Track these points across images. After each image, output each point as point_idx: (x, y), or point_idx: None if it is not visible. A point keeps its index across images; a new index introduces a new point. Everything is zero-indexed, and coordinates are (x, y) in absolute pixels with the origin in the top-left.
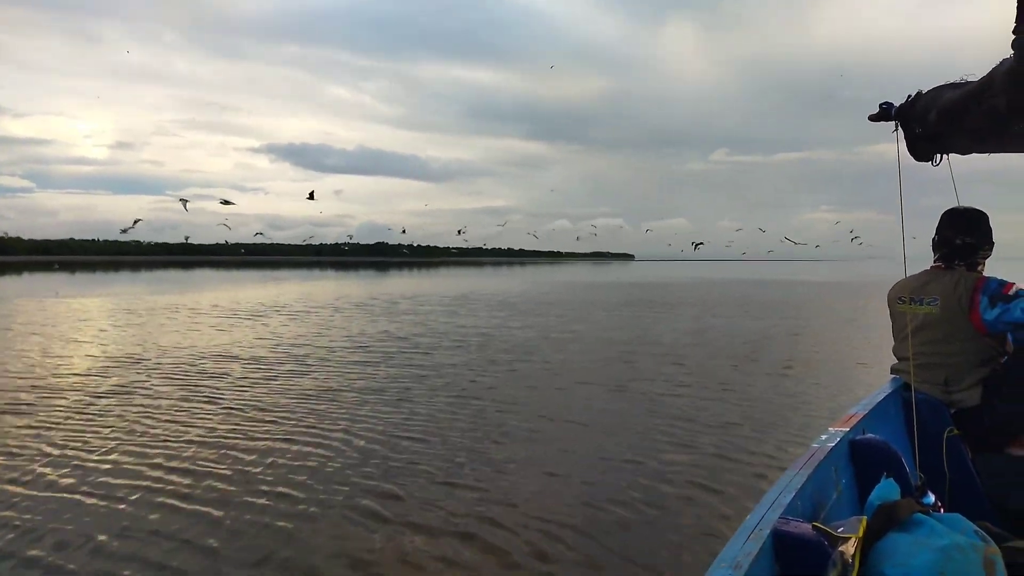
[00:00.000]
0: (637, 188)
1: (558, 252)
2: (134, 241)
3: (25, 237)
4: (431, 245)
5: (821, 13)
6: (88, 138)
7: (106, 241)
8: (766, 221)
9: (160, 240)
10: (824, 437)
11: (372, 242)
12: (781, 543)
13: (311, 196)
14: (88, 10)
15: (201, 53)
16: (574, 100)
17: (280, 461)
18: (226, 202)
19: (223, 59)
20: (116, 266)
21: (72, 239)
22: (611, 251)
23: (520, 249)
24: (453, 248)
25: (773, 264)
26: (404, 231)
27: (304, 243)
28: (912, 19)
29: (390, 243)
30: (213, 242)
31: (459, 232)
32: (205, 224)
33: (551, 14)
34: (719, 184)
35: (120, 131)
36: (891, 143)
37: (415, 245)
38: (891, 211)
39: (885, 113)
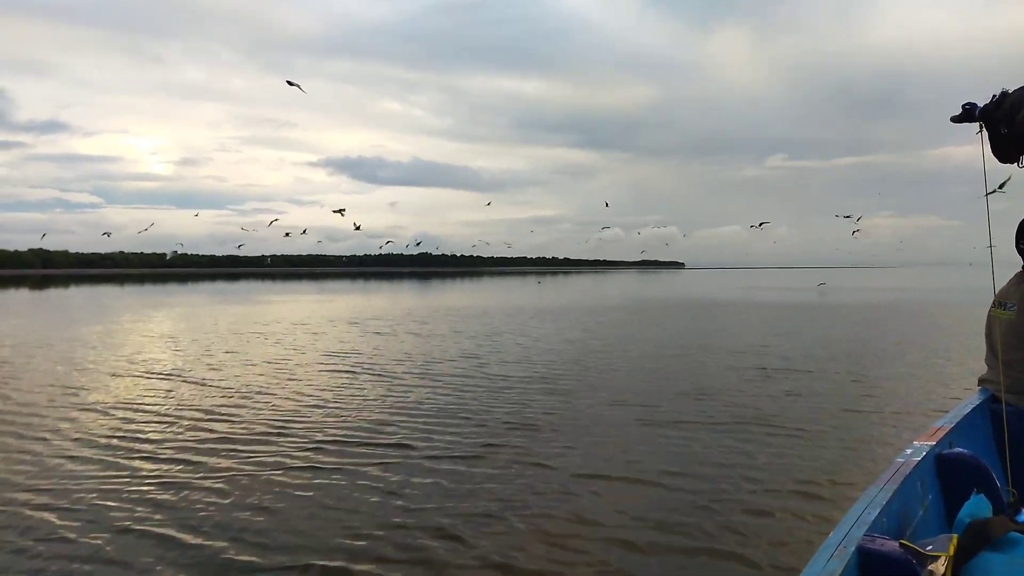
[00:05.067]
0: (689, 195)
1: (605, 260)
2: (180, 254)
3: (100, 252)
4: (476, 255)
5: (878, 14)
6: (153, 155)
7: (153, 254)
8: (823, 228)
9: (224, 252)
10: (909, 451)
11: (416, 252)
12: (867, 561)
13: (340, 212)
14: (147, 31)
15: (258, 71)
16: (623, 108)
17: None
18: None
19: (279, 76)
20: (164, 278)
21: (121, 252)
22: (660, 259)
23: (565, 258)
24: (496, 257)
25: (829, 272)
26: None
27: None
28: (975, 18)
29: (433, 253)
30: (259, 254)
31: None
32: (260, 237)
33: (599, 23)
34: (774, 190)
35: (183, 148)
36: (954, 145)
37: (459, 255)
38: (956, 216)
39: (968, 114)
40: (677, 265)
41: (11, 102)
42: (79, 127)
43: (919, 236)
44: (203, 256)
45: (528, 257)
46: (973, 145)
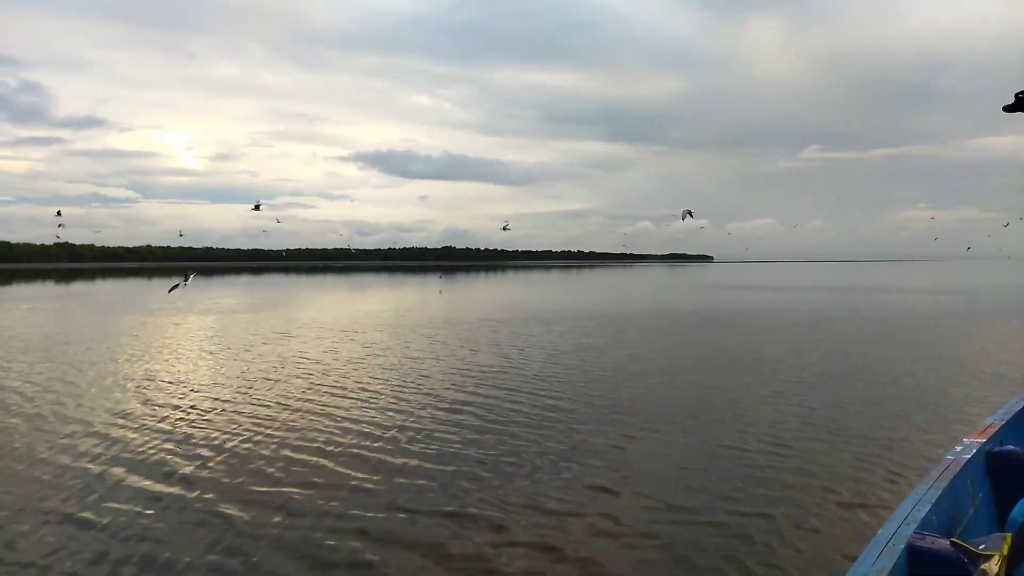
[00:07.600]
0: (721, 188)
1: (632, 254)
2: (205, 247)
3: (130, 245)
4: (501, 249)
5: (915, 1)
6: (188, 150)
7: (179, 248)
8: (859, 221)
9: (253, 247)
10: (959, 448)
11: (441, 246)
12: (916, 559)
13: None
14: (182, 27)
15: (289, 66)
16: (654, 100)
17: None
18: None
19: (310, 71)
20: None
21: (148, 246)
22: (689, 253)
23: (591, 252)
24: (522, 251)
25: (863, 266)
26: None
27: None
28: (1016, 4)
29: (457, 247)
30: (284, 247)
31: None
32: (294, 231)
33: (629, 15)
34: (809, 183)
35: (217, 143)
36: (994, 135)
37: (483, 249)
38: (993, 208)
39: (1022, 103)
40: (706, 258)
41: (51, 98)
42: (115, 122)
43: (957, 228)
44: (228, 250)
45: (554, 251)
46: (1017, 135)
